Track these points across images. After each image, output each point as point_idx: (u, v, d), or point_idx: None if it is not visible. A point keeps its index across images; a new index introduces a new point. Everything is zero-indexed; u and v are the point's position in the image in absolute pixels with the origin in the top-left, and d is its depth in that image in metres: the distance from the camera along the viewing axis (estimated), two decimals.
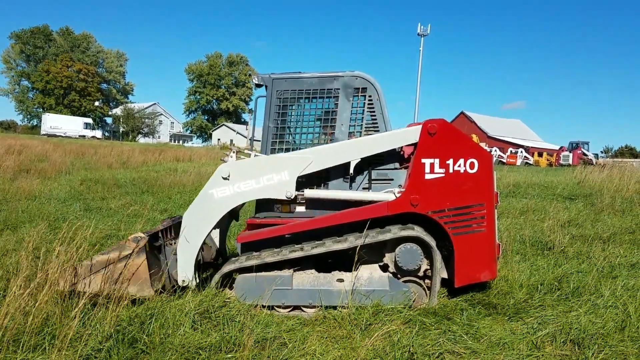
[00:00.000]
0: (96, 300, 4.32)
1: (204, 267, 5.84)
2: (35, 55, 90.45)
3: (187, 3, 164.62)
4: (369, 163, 5.20)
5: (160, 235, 5.32)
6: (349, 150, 5.03)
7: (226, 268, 5.05)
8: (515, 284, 5.48)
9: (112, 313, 4.01)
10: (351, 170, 5.08)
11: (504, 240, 7.42)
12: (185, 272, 5.09)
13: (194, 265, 5.11)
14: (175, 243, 5.33)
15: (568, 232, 8.43)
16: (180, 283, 5.10)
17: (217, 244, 6.06)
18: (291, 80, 5.29)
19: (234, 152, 5.33)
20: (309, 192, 5.09)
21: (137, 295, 4.75)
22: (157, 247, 5.23)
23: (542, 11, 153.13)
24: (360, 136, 5.27)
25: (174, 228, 5.52)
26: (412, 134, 4.99)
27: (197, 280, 5.15)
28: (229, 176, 5.02)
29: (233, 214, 5.90)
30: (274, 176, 5.03)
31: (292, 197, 5.03)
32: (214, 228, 5.35)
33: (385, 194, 5.00)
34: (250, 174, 5.04)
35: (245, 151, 5.52)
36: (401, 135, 5.07)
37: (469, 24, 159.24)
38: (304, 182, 5.16)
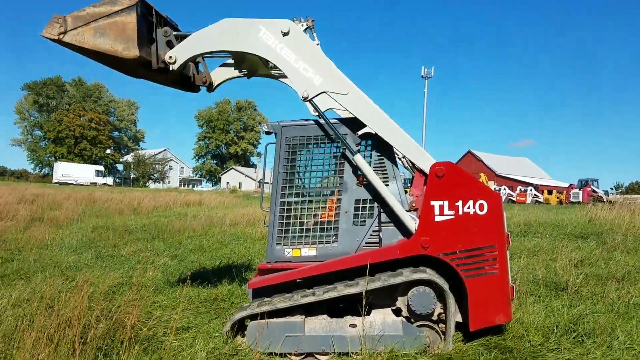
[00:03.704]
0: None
1: (185, 84, 5.99)
2: (48, 105, 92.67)
3: None
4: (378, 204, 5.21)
5: (154, 12, 5.28)
6: (376, 117, 5.06)
7: (237, 315, 5.03)
8: (530, 327, 5.40)
9: None
10: (359, 133, 5.14)
11: (517, 281, 7.34)
12: (178, 54, 5.13)
13: (190, 57, 5.17)
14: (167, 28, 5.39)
15: (581, 271, 8.33)
16: (167, 59, 5.11)
17: (215, 79, 6.17)
18: (300, 127, 5.40)
19: (306, 24, 5.34)
20: (359, 158, 5.03)
21: (122, 53, 4.76)
22: (149, 22, 5.19)
23: (549, 48, 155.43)
24: (367, 179, 5.30)
25: (170, 23, 5.55)
26: (425, 160, 5.08)
27: (178, 69, 5.21)
28: (287, 34, 4.99)
29: (251, 65, 6.06)
30: (310, 72, 5.03)
31: (306, 98, 5.03)
32: (232, 66, 5.60)
33: (410, 219, 4.98)
34: (299, 51, 5.02)
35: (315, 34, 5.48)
36: (418, 151, 5.14)
37: (474, 64, 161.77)
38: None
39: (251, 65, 6.16)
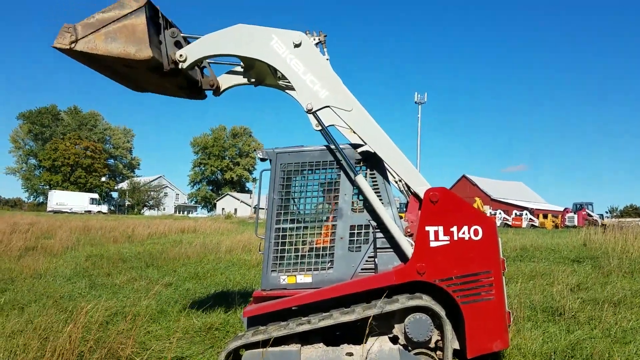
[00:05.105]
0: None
1: (193, 90, 6.05)
2: (43, 134, 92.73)
3: None
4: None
5: (161, 15, 5.27)
6: (377, 136, 5.15)
7: (232, 345, 4.96)
8: (528, 353, 5.37)
9: None
10: (358, 150, 5.19)
11: (514, 307, 7.31)
12: (189, 52, 5.19)
13: (198, 59, 5.27)
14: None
15: (578, 296, 8.31)
16: (177, 57, 5.16)
17: (223, 84, 6.25)
18: (294, 153, 5.43)
19: (319, 38, 5.39)
20: (360, 179, 5.05)
21: (135, 55, 4.72)
22: (157, 24, 5.20)
23: (542, 73, 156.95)
24: (362, 204, 5.32)
25: (174, 26, 5.55)
26: (421, 184, 5.12)
27: (187, 69, 5.29)
28: (298, 45, 5.05)
29: (259, 74, 6.12)
30: (317, 85, 5.09)
31: (310, 110, 5.09)
32: (240, 74, 5.66)
33: (408, 244, 4.97)
34: (308, 63, 5.08)
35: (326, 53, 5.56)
36: (414, 174, 5.21)
37: (467, 89, 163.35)
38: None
39: (259, 73, 6.28)
